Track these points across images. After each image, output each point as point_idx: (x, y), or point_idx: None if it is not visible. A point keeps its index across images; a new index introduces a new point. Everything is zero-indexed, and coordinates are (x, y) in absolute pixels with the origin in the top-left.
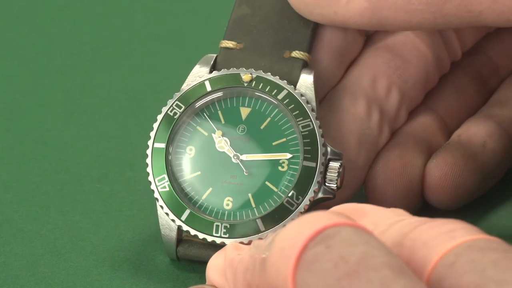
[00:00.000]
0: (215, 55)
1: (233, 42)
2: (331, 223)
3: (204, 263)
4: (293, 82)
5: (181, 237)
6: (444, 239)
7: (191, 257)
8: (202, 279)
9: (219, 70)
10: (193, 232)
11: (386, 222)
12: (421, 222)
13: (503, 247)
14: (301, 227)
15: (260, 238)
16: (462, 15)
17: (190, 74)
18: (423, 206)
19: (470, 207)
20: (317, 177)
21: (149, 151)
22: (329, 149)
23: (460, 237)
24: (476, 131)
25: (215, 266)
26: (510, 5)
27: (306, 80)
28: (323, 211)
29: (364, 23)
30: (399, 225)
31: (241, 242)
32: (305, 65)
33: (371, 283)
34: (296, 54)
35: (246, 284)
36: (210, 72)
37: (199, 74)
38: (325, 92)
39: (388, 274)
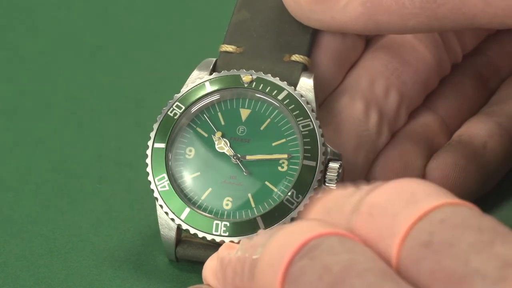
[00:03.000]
0: (214, 59)
1: (233, 46)
2: (315, 234)
3: (203, 263)
4: (293, 85)
5: (180, 237)
6: (406, 205)
7: (190, 258)
8: (202, 279)
9: (219, 72)
10: (192, 230)
11: (345, 198)
12: (378, 185)
13: (477, 222)
14: (286, 241)
15: None
16: (456, 18)
17: (189, 77)
18: None
19: None
20: (317, 176)
21: (149, 151)
22: (329, 149)
23: (423, 203)
24: (477, 132)
25: (210, 267)
26: (503, 7)
27: (306, 83)
28: (307, 221)
29: (361, 27)
30: (357, 193)
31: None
32: (305, 69)
33: None
34: (295, 57)
35: (235, 287)
36: (210, 75)
37: (199, 76)
38: (325, 96)
39: (372, 280)
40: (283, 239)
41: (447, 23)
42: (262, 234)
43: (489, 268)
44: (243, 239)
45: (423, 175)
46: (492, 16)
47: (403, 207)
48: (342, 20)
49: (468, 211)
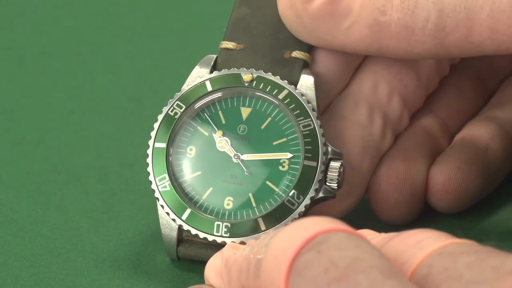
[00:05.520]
0: (215, 55)
1: (233, 43)
2: (323, 229)
3: (205, 263)
4: (294, 83)
5: (182, 237)
6: (413, 251)
7: (191, 257)
8: (202, 279)
9: (219, 70)
10: (193, 231)
11: None
12: (389, 238)
13: (474, 248)
14: (293, 234)
15: None
16: (463, 46)
17: (190, 75)
18: (424, 210)
19: (471, 208)
20: (318, 176)
21: (149, 151)
22: (329, 148)
23: (429, 246)
24: (479, 134)
25: (213, 266)
26: (509, 34)
27: (306, 81)
28: (316, 217)
29: (362, 49)
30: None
31: (242, 242)
32: (306, 65)
33: (359, 286)
34: (296, 54)
35: (240, 286)
36: (211, 72)
37: (199, 74)
38: (330, 100)
39: (377, 277)
40: (290, 233)
41: (453, 51)
42: (268, 233)
43: (483, 276)
44: (250, 239)
45: (425, 179)
46: (499, 43)
47: (411, 254)
48: (344, 40)
49: (467, 245)
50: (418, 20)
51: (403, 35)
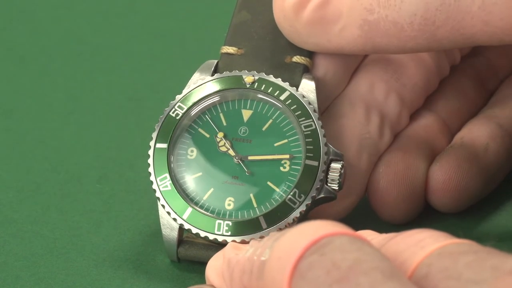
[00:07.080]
0: (215, 61)
1: (234, 48)
2: (327, 233)
3: (205, 263)
4: (295, 86)
5: (182, 237)
6: (414, 251)
7: (191, 258)
8: (202, 279)
9: (221, 73)
10: (194, 230)
11: None
12: (389, 238)
13: (473, 248)
14: (297, 237)
15: (262, 236)
16: (455, 38)
17: (190, 80)
18: (424, 209)
19: (471, 208)
20: (319, 176)
21: (151, 151)
22: (331, 149)
23: (429, 246)
24: (479, 134)
25: (214, 266)
26: (501, 26)
27: (308, 85)
28: (319, 221)
29: (359, 49)
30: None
31: (243, 241)
32: (306, 70)
33: (360, 287)
34: (297, 59)
35: (242, 287)
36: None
37: (200, 78)
38: (330, 102)
39: (378, 278)
40: (294, 236)
41: (445, 43)
42: (271, 235)
43: (482, 276)
44: (253, 239)
45: (425, 177)
46: (491, 35)
47: (412, 253)
48: (340, 43)
49: (467, 245)
50: (405, 15)
51: (393, 31)
